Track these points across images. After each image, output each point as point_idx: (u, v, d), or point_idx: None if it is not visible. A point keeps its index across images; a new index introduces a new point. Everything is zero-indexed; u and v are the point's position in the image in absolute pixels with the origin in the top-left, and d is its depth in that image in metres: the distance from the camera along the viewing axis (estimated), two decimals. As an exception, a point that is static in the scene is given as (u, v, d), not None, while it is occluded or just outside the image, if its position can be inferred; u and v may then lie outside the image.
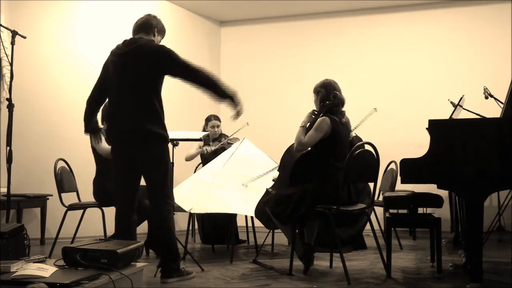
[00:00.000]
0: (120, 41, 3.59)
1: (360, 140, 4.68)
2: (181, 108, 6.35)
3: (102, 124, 4.59)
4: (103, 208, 4.45)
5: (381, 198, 4.98)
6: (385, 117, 6.30)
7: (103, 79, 3.59)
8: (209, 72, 3.46)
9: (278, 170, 4.15)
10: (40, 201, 5.46)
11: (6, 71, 5.17)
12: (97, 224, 4.55)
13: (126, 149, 3.46)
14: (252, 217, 4.73)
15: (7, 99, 3.87)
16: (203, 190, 4.43)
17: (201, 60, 7.16)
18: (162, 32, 3.66)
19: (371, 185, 4.14)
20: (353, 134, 4.99)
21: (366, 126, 5.46)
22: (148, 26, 3.58)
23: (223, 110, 7.20)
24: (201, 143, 5.49)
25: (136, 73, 3.42)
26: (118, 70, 3.46)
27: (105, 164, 4.42)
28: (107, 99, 3.66)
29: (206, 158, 5.30)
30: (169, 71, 3.46)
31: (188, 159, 5.52)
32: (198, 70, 3.43)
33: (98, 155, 4.44)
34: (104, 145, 4.38)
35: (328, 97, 3.79)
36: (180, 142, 4.28)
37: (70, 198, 4.73)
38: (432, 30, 6.77)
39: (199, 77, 3.43)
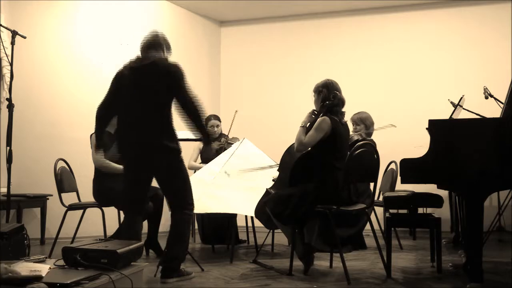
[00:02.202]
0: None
1: (373, 142, 4.65)
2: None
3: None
4: (103, 208, 4.45)
5: (381, 198, 4.98)
6: (385, 117, 6.30)
7: (113, 94, 3.60)
8: (201, 110, 3.50)
9: (278, 170, 4.15)
10: (40, 201, 5.46)
11: (6, 71, 5.17)
12: (97, 224, 4.55)
13: (141, 163, 3.51)
14: (252, 217, 4.74)
15: (7, 99, 3.88)
16: (203, 190, 4.43)
17: (201, 60, 7.24)
18: (169, 48, 3.69)
19: (371, 185, 4.14)
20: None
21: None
22: (157, 44, 3.60)
23: (223, 110, 7.24)
24: (201, 144, 5.49)
25: (151, 88, 3.46)
26: (133, 85, 3.49)
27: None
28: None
29: (206, 158, 5.30)
30: (173, 93, 3.49)
31: (191, 168, 5.51)
32: (196, 107, 3.48)
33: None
34: (99, 156, 4.38)
35: (329, 97, 3.79)
36: (181, 143, 4.27)
37: (70, 198, 4.72)
38: (432, 30, 6.77)
39: (194, 111, 3.48)
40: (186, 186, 3.59)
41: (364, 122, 5.04)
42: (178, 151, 3.54)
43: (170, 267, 3.51)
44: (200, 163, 5.52)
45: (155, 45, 3.59)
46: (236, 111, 5.29)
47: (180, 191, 3.57)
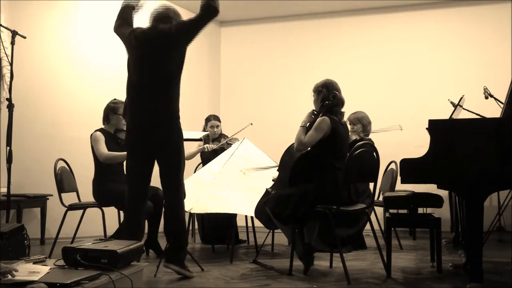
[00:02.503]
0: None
1: (371, 141, 4.65)
2: (181, 108, 6.33)
3: (104, 124, 4.59)
4: (103, 208, 4.45)
5: (381, 198, 4.98)
6: (385, 117, 6.30)
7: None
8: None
9: (278, 170, 4.15)
10: (40, 201, 5.46)
11: (6, 71, 5.17)
12: (97, 224, 4.55)
13: (147, 135, 3.53)
14: (252, 217, 4.73)
15: (7, 99, 3.88)
16: (203, 190, 4.43)
17: (201, 60, 7.23)
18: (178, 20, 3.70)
19: (371, 185, 4.13)
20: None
21: (381, 133, 5.47)
22: (167, 17, 3.61)
23: (223, 110, 7.25)
24: (201, 144, 5.49)
25: (157, 60, 3.51)
26: (140, 56, 3.54)
27: (105, 164, 4.42)
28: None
29: (206, 158, 5.30)
30: (186, 38, 3.55)
31: (188, 158, 5.52)
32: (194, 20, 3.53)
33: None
34: (103, 150, 4.38)
35: (329, 97, 3.79)
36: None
37: (70, 198, 4.72)
38: (432, 30, 6.77)
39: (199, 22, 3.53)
40: (182, 166, 3.61)
41: (361, 121, 5.05)
42: (179, 127, 3.60)
43: (175, 255, 3.54)
44: (200, 163, 5.53)
45: (164, 18, 3.60)
46: (251, 124, 5.33)
47: (177, 171, 3.58)
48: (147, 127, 3.53)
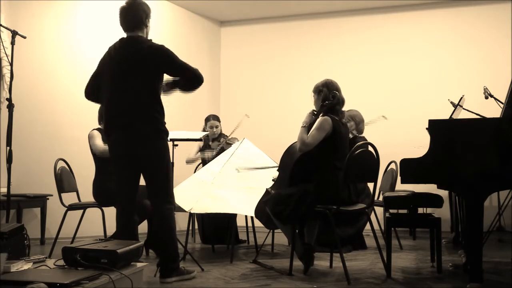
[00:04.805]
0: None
1: (364, 139, 4.68)
2: (181, 108, 6.34)
3: (100, 124, 4.60)
4: (103, 208, 4.45)
5: (381, 198, 4.98)
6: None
7: (98, 76, 3.58)
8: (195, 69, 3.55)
9: (278, 170, 4.15)
10: (40, 201, 5.46)
11: (6, 71, 5.17)
12: (97, 224, 4.55)
13: (127, 148, 3.45)
14: (252, 217, 4.74)
15: (7, 99, 3.87)
16: (203, 190, 4.43)
17: (201, 60, 7.23)
18: (149, 17, 3.64)
19: (371, 185, 4.14)
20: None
21: (366, 126, 5.46)
22: (140, 22, 3.57)
23: (223, 110, 7.25)
24: (201, 143, 5.49)
25: (136, 73, 3.43)
26: (119, 71, 3.46)
27: (105, 163, 4.42)
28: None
29: (206, 159, 5.31)
30: (167, 71, 3.52)
31: (189, 162, 5.52)
32: (192, 69, 3.52)
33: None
34: (99, 144, 4.38)
35: (329, 96, 3.79)
36: (180, 143, 4.28)
37: (70, 198, 4.73)
38: (432, 30, 6.77)
39: (191, 74, 3.52)
40: (169, 177, 3.53)
41: (354, 119, 5.06)
42: (165, 132, 3.50)
43: (169, 267, 3.50)
44: (200, 163, 5.53)
45: (138, 23, 3.55)
46: (247, 116, 5.31)
47: (162, 182, 3.50)
48: (129, 139, 3.43)
